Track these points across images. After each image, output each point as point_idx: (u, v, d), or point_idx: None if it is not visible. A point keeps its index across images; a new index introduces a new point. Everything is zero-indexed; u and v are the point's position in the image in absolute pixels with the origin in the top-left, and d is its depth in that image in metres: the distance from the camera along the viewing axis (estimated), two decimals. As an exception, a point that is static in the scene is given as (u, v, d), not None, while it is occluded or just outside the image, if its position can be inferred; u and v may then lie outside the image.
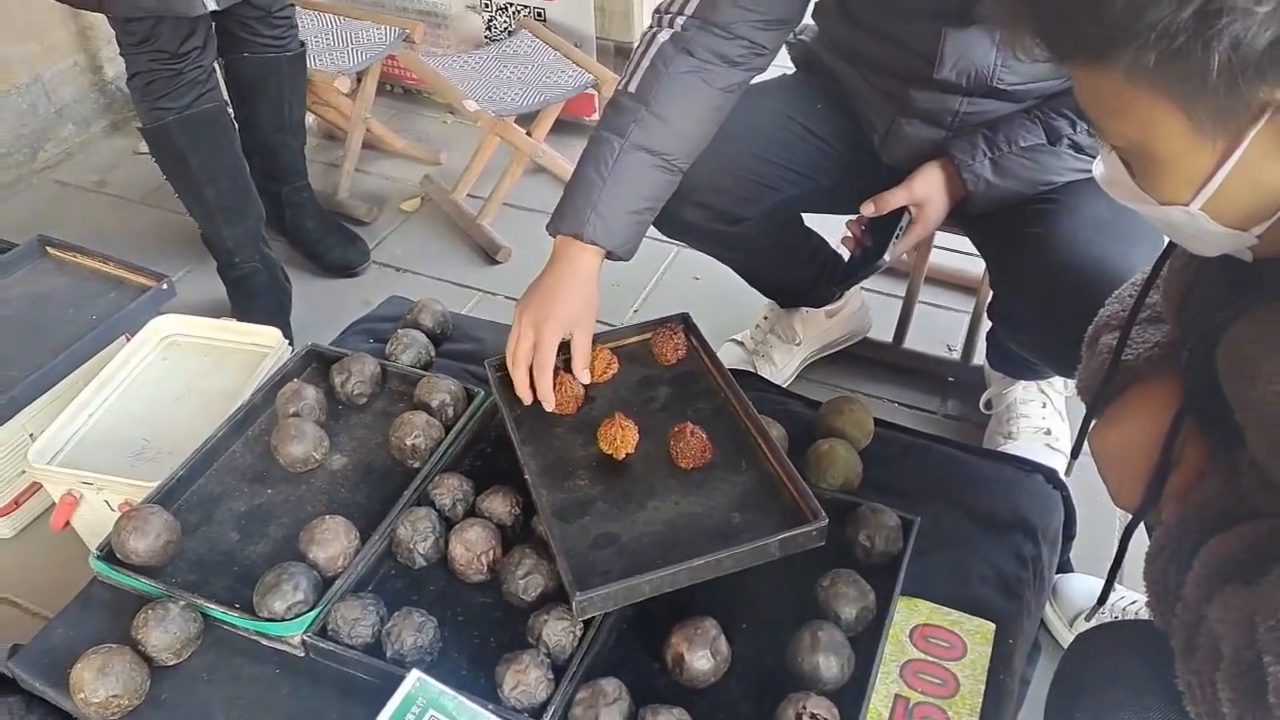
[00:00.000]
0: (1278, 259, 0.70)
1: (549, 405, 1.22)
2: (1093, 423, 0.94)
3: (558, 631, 1.05)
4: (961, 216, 1.36)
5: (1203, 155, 0.64)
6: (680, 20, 1.20)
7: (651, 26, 1.24)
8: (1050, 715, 0.91)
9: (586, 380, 1.25)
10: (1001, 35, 0.67)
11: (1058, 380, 1.61)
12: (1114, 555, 0.97)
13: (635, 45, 1.25)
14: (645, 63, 1.21)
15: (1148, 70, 0.60)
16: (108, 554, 1.17)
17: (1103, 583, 0.99)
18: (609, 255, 1.24)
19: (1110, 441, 0.90)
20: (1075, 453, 1.04)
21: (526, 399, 1.23)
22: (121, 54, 1.73)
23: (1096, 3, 0.60)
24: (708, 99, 1.22)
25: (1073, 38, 0.64)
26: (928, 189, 1.29)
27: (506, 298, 2.07)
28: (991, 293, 1.43)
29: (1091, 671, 0.84)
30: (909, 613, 1.14)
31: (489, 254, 2.18)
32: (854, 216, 1.36)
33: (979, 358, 1.75)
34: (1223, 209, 0.67)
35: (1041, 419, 1.57)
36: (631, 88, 1.22)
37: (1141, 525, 0.87)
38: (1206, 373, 0.76)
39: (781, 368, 1.75)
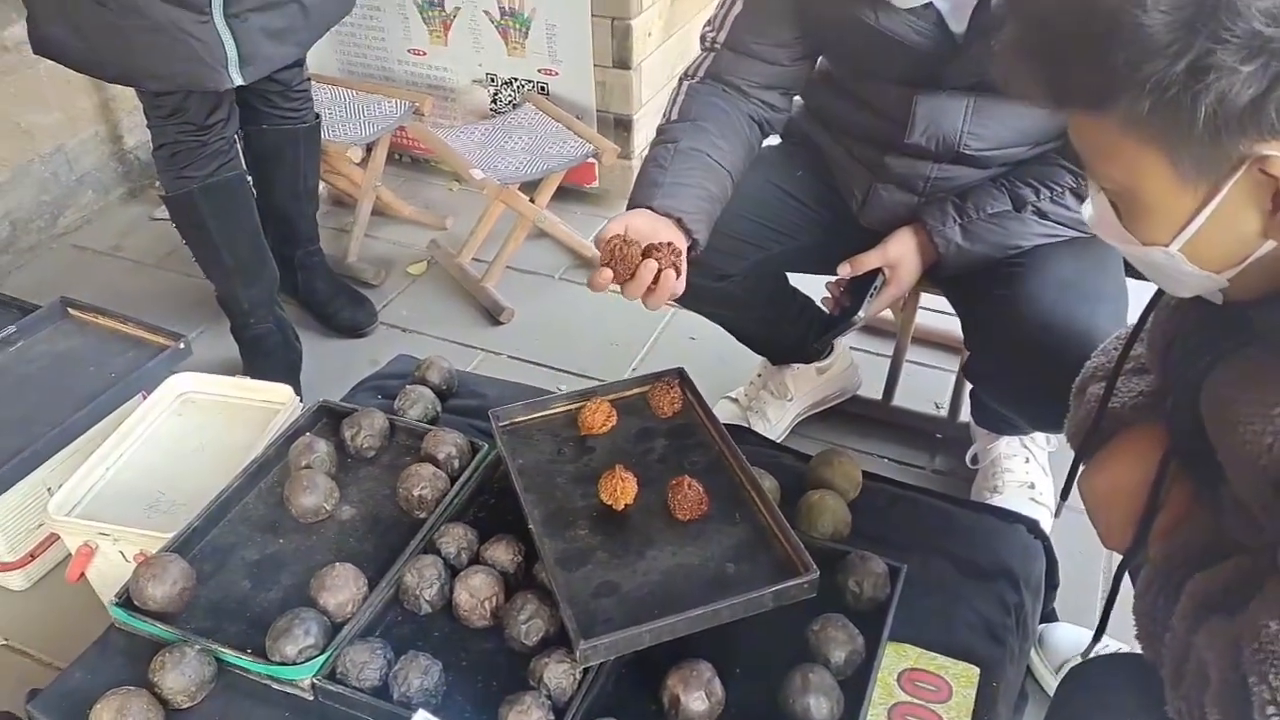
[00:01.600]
0: (1251, 306, 0.76)
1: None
2: (1081, 467, 1.00)
3: (558, 674, 1.09)
4: (934, 278, 1.44)
5: (1184, 201, 0.70)
6: (699, 75, 1.42)
7: (679, 83, 1.44)
8: None
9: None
10: (1005, 82, 0.74)
11: (1040, 436, 1.67)
12: (1106, 595, 1.02)
13: (668, 102, 1.44)
14: (681, 98, 1.41)
15: (1140, 118, 0.66)
16: (126, 600, 1.21)
17: (1090, 632, 1.04)
18: (686, 237, 1.27)
19: (1099, 485, 0.96)
20: (1065, 494, 1.09)
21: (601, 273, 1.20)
22: (149, 126, 1.83)
23: (1101, 55, 0.66)
24: (737, 117, 1.39)
25: (1074, 85, 0.70)
26: (900, 251, 1.38)
27: (510, 357, 2.14)
28: (967, 352, 1.50)
29: (1085, 701, 0.89)
30: (897, 657, 1.18)
31: (492, 315, 2.26)
32: (834, 277, 1.44)
33: (965, 415, 1.81)
34: (1199, 253, 0.73)
35: (1025, 474, 1.63)
36: (674, 115, 1.41)
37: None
38: (1190, 417, 0.82)
39: (775, 423, 1.82)
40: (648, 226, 1.22)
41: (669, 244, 1.20)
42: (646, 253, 1.19)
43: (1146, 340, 0.96)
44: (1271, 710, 0.67)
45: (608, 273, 1.18)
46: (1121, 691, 0.85)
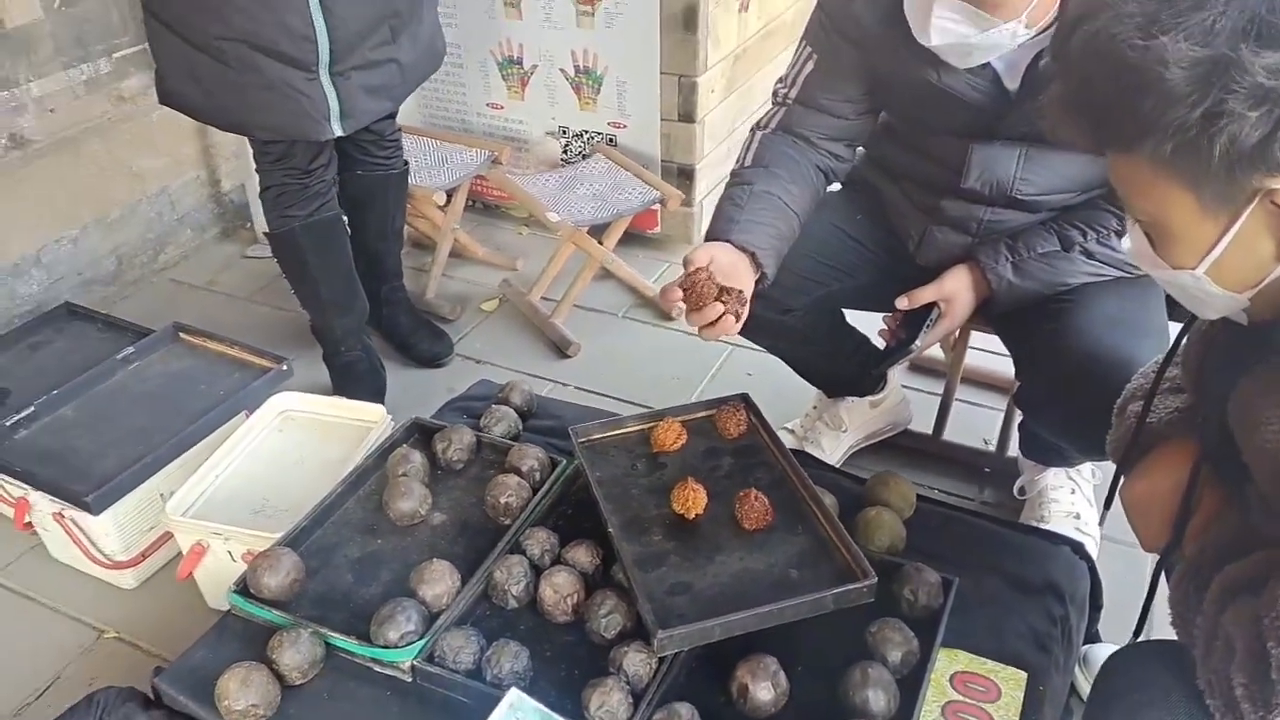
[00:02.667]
0: (1272, 325, 0.86)
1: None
2: (1122, 479, 1.09)
3: (637, 662, 1.20)
4: (986, 314, 1.54)
5: (1207, 229, 0.81)
6: (771, 126, 1.55)
7: (752, 133, 1.57)
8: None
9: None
10: (1053, 128, 0.87)
11: (1085, 468, 1.75)
12: (1146, 591, 1.11)
13: (741, 150, 1.58)
14: (755, 146, 1.55)
15: (1165, 158, 0.77)
16: (243, 589, 1.34)
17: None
18: (756, 271, 1.40)
19: (1138, 492, 1.06)
20: (1108, 503, 1.19)
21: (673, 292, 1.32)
22: (257, 170, 2.01)
23: (1131, 105, 0.77)
24: (805, 166, 1.52)
25: (1110, 131, 0.82)
26: (955, 287, 1.49)
27: (577, 387, 2.27)
28: (1018, 382, 1.60)
29: (1124, 680, 0.97)
30: (949, 661, 1.26)
31: (560, 349, 2.40)
32: (890, 313, 1.55)
33: (1013, 449, 1.89)
34: (1222, 275, 0.84)
35: (1071, 504, 1.71)
36: (748, 161, 1.54)
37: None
38: (1219, 426, 0.92)
39: (830, 454, 1.91)
40: (728, 260, 1.35)
41: (739, 291, 1.32)
42: (722, 291, 1.31)
43: (1181, 362, 1.06)
44: None
45: (678, 294, 1.30)
46: (1157, 670, 0.93)
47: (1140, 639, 1.13)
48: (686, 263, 1.33)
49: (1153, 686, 0.92)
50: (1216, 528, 0.94)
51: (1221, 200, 0.79)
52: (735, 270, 1.36)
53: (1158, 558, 1.06)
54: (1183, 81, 0.73)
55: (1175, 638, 0.97)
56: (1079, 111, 0.83)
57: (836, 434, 1.93)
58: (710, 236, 1.42)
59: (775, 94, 1.56)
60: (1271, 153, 0.73)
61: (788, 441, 1.93)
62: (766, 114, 1.56)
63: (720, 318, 1.30)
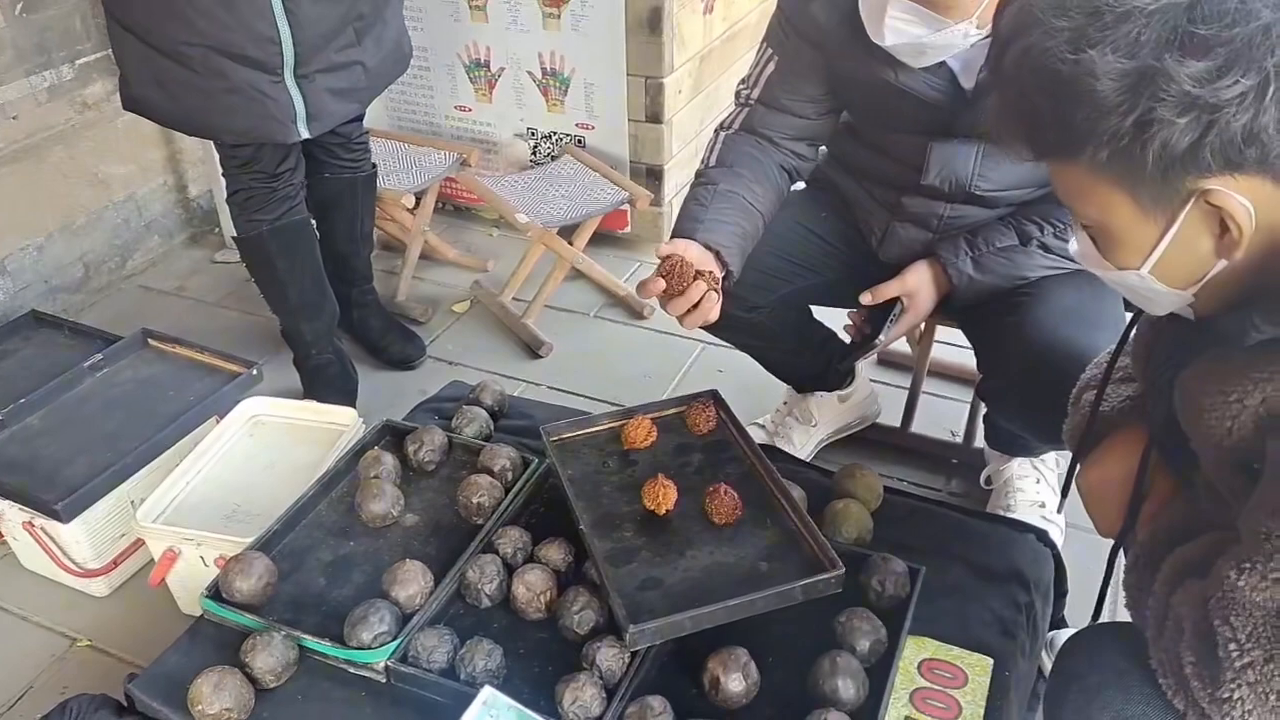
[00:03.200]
0: (1212, 318, 0.89)
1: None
2: (1078, 466, 1.12)
3: (609, 657, 1.21)
4: (948, 308, 1.57)
5: (1148, 230, 0.83)
6: (734, 127, 1.57)
7: (716, 134, 1.59)
8: (1048, 701, 1.06)
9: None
10: (996, 138, 0.90)
11: (1050, 457, 1.78)
12: (1103, 575, 1.14)
13: (705, 150, 1.60)
14: (718, 146, 1.57)
15: (1103, 164, 0.80)
16: (215, 593, 1.34)
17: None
18: (722, 269, 1.41)
19: (1093, 479, 1.09)
20: (1065, 491, 1.22)
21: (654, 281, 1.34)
22: (224, 174, 2.00)
23: (1066, 115, 0.79)
24: (769, 165, 1.54)
25: (1048, 140, 0.84)
26: (918, 282, 1.52)
27: (549, 387, 2.28)
28: (980, 374, 1.63)
29: (1081, 661, 1.00)
30: (916, 649, 1.29)
31: (532, 349, 2.40)
32: (855, 309, 1.58)
33: (979, 441, 1.93)
34: (1166, 274, 0.86)
35: (1036, 493, 1.74)
36: (712, 161, 1.55)
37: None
38: (1165, 413, 0.95)
39: (800, 448, 1.94)
40: (696, 256, 1.37)
41: (712, 273, 1.34)
42: (699, 272, 1.33)
43: (1131, 353, 1.09)
44: (1233, 648, 0.79)
45: (661, 283, 1.32)
46: (1113, 652, 0.96)
47: (1098, 621, 1.16)
48: (658, 252, 1.35)
49: (1108, 668, 0.94)
50: (1167, 512, 0.97)
51: (1159, 202, 0.81)
52: (704, 265, 1.37)
53: (1114, 542, 1.09)
54: (1113, 92, 0.76)
55: (1131, 620, 1.00)
56: (1017, 123, 0.86)
57: (807, 428, 1.95)
58: (675, 235, 1.44)
59: (738, 95, 1.58)
60: (1203, 155, 0.76)
61: (759, 437, 1.96)
62: (730, 114, 1.59)
63: (703, 298, 1.32)
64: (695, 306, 1.32)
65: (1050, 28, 0.79)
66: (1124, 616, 1.04)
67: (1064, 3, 0.79)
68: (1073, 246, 0.97)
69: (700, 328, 1.48)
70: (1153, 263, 0.85)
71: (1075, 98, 0.78)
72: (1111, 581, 1.13)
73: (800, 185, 1.69)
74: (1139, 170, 0.78)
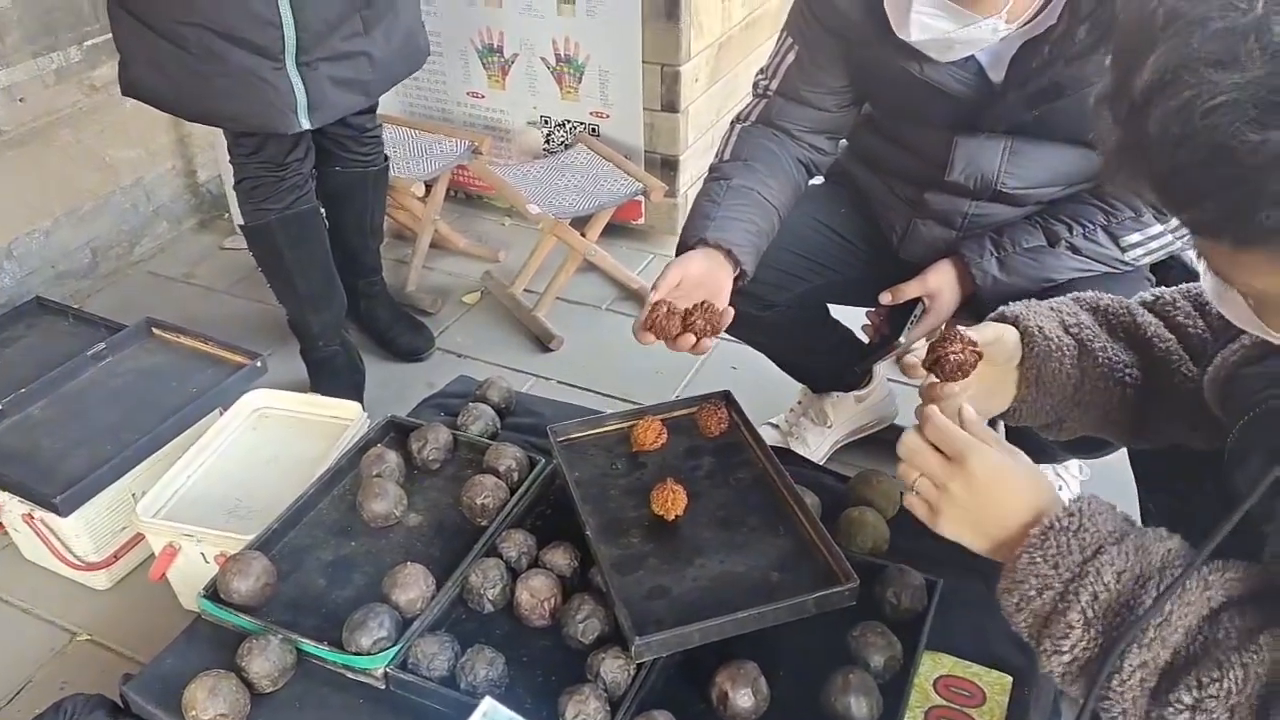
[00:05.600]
0: None
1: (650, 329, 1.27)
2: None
3: (614, 669, 1.17)
4: (972, 310, 1.52)
5: None
6: (751, 119, 1.53)
7: (731, 126, 1.55)
8: None
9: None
10: (1113, 186, 0.76)
11: (1073, 464, 1.73)
12: None
13: (720, 143, 1.55)
14: (734, 139, 1.52)
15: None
16: (213, 594, 1.31)
17: None
18: (735, 267, 1.37)
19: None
20: None
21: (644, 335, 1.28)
22: (231, 161, 1.96)
23: (1244, 211, 0.63)
24: (785, 159, 1.50)
25: (1208, 224, 0.68)
26: (940, 282, 1.46)
27: (559, 382, 2.24)
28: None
29: None
30: (933, 664, 1.24)
31: (543, 342, 2.37)
32: (875, 309, 1.53)
33: (1000, 444, 1.87)
34: None
35: (1058, 500, 1.69)
36: (726, 155, 1.51)
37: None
38: (1256, 442, 0.84)
39: (815, 449, 1.89)
40: (700, 269, 1.33)
41: (705, 305, 1.26)
42: (686, 315, 1.26)
43: (1206, 378, 0.99)
44: None
45: (650, 336, 1.27)
46: None
47: None
48: (651, 290, 1.30)
49: None
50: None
51: None
52: (710, 277, 1.33)
53: None
54: None
55: None
56: (1165, 197, 0.69)
57: (821, 429, 1.91)
58: (686, 233, 1.39)
59: (756, 85, 1.53)
60: None
61: (772, 437, 1.92)
62: (747, 106, 1.53)
63: (697, 343, 1.27)
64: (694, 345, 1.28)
65: (1214, 85, 0.61)
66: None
67: (1232, 46, 0.61)
68: (1206, 285, 0.81)
69: None
70: None
71: (1259, 190, 0.62)
72: None
73: (819, 180, 1.63)
74: None
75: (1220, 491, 0.88)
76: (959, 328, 1.02)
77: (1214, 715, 0.77)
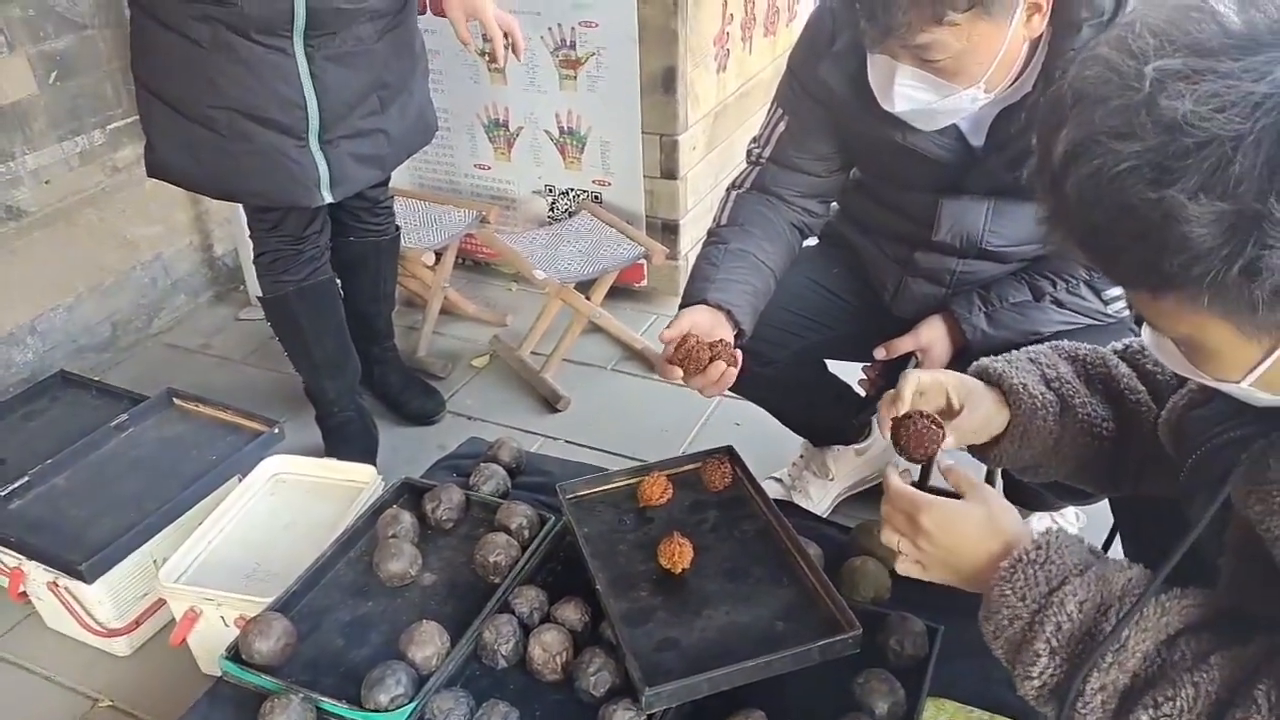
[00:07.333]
0: None
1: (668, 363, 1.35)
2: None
3: (625, 720, 1.20)
4: (963, 363, 1.57)
5: (1250, 349, 0.75)
6: (746, 186, 1.60)
7: (727, 193, 1.62)
8: None
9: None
10: (1057, 252, 0.81)
11: (1069, 512, 1.77)
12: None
13: (717, 209, 1.63)
14: (730, 205, 1.60)
15: (1200, 305, 0.71)
16: (235, 655, 1.35)
17: None
18: (734, 327, 1.44)
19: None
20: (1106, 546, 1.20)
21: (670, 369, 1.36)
22: (251, 236, 2.05)
23: (1153, 260, 0.69)
24: (779, 223, 1.57)
25: (1128, 276, 0.75)
26: (931, 336, 1.53)
27: (568, 441, 2.29)
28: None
29: None
30: (936, 711, 1.27)
31: (551, 403, 2.42)
32: (870, 363, 1.59)
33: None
34: (1270, 383, 0.78)
35: (1057, 547, 1.72)
36: (724, 220, 1.59)
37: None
38: (1202, 481, 0.90)
39: (818, 502, 1.93)
40: (707, 322, 1.40)
41: (725, 342, 1.37)
42: (711, 347, 1.35)
43: (1161, 420, 1.06)
44: None
45: (678, 370, 1.35)
46: None
47: None
48: (665, 336, 1.37)
49: None
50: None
51: (1264, 328, 0.73)
52: (714, 330, 1.40)
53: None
54: (1209, 237, 0.67)
55: None
56: (1089, 253, 0.77)
57: (824, 482, 1.95)
58: (687, 295, 1.46)
59: (749, 153, 1.61)
60: None
61: (776, 491, 1.96)
62: (741, 173, 1.61)
63: (723, 374, 1.34)
64: (717, 379, 1.34)
65: (1119, 153, 0.69)
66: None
67: (1129, 120, 0.69)
68: (1146, 338, 0.87)
69: None
70: (1255, 377, 0.77)
71: (1163, 242, 0.69)
72: None
73: (813, 241, 1.71)
74: (1243, 309, 0.70)
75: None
76: (919, 410, 1.11)
77: None
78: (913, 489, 1.03)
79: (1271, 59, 0.67)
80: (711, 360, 1.33)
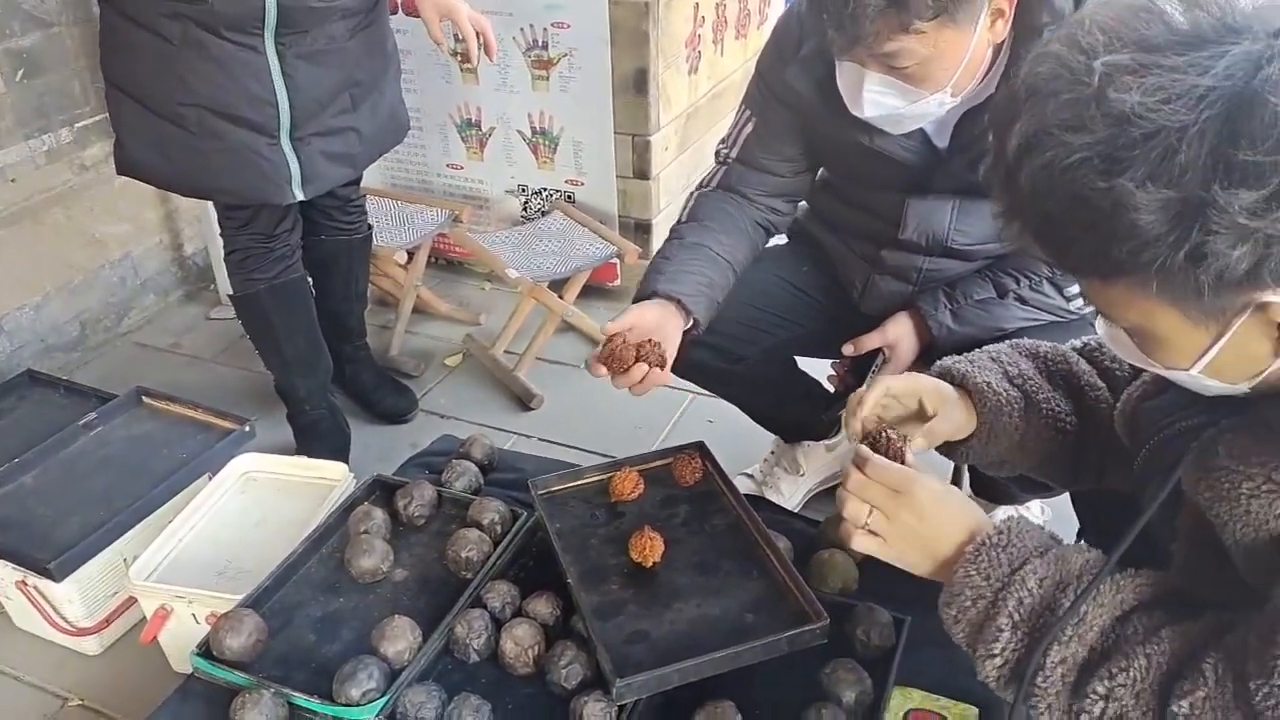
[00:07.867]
0: (1265, 402, 0.83)
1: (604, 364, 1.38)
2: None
3: (596, 711, 1.21)
4: (930, 359, 1.60)
5: (1198, 336, 0.77)
6: (712, 185, 1.63)
7: (690, 194, 1.65)
8: None
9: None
10: (1010, 240, 0.83)
11: (1034, 505, 1.80)
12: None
13: (680, 210, 1.65)
14: (692, 203, 1.63)
15: (1148, 291, 0.74)
16: (205, 651, 1.35)
17: None
18: (687, 318, 1.46)
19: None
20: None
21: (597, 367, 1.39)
22: (222, 234, 2.04)
23: (1102, 247, 0.72)
24: (741, 219, 1.59)
25: (1079, 264, 0.78)
26: (899, 333, 1.56)
27: (540, 439, 2.30)
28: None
29: None
30: (903, 699, 1.29)
31: (524, 402, 2.43)
32: (839, 359, 1.61)
33: (965, 490, 1.94)
34: (1219, 371, 0.81)
35: (1021, 540, 1.76)
36: (684, 218, 1.61)
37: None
38: (1155, 469, 0.93)
39: (789, 497, 1.95)
40: (652, 318, 1.42)
41: (654, 343, 1.38)
42: (638, 349, 1.38)
43: (1118, 411, 1.09)
44: None
45: (603, 368, 1.38)
46: None
47: None
48: (609, 330, 1.39)
49: None
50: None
51: (1210, 315, 0.76)
52: (661, 325, 1.42)
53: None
54: (1157, 224, 0.70)
55: None
56: (1042, 244, 0.80)
57: (795, 478, 1.97)
58: (640, 288, 1.49)
59: (717, 154, 1.63)
60: (1261, 276, 0.71)
61: (747, 487, 1.98)
62: (709, 173, 1.64)
63: (646, 375, 1.36)
64: (641, 382, 1.37)
65: (1069, 144, 0.72)
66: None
67: (1079, 113, 0.72)
68: (1100, 329, 0.90)
69: (687, 379, 1.51)
70: (1204, 365, 0.80)
71: (1112, 230, 0.72)
72: None
73: (782, 239, 1.73)
74: (1189, 294, 0.73)
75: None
76: (887, 426, 1.14)
77: (1123, 703, 0.85)
78: (898, 464, 1.03)
79: (1215, 54, 0.69)
80: (636, 361, 1.35)
